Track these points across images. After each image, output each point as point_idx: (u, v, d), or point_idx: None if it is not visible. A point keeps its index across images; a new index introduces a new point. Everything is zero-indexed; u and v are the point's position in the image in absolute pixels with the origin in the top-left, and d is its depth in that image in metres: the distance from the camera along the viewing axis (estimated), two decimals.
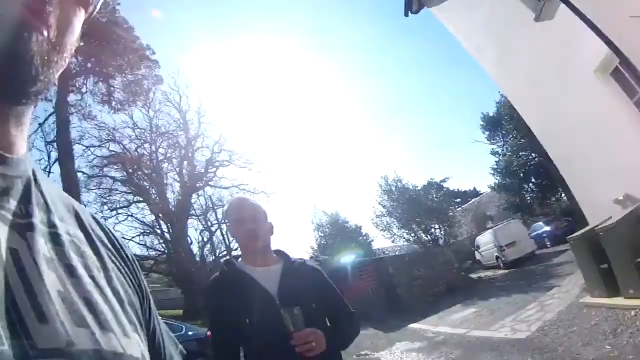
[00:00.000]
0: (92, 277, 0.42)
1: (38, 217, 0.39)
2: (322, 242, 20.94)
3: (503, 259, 15.64)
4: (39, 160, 19.23)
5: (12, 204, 0.37)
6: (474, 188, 35.04)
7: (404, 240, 20.72)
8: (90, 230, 0.48)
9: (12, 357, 0.29)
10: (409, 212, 19.29)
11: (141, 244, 21.09)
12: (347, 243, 19.17)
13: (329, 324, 1.62)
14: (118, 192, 21.16)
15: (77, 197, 16.68)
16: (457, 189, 31.61)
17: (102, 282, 0.44)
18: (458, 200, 28.60)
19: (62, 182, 16.83)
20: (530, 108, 7.49)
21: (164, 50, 38.17)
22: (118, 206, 20.86)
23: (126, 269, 0.51)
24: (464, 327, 7.60)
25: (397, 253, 19.18)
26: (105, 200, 20.44)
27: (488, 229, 19.42)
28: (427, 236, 19.52)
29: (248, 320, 1.47)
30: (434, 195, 20.02)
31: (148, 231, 21.53)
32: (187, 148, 22.02)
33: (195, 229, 22.94)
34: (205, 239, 22.87)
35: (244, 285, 1.53)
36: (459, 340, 6.87)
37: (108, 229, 0.53)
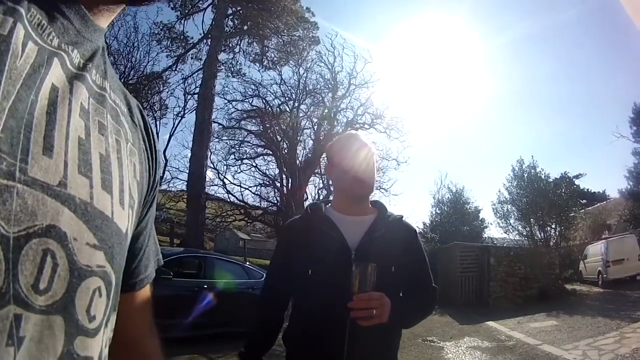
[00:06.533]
0: (118, 142, 0.42)
1: (93, 76, 0.40)
2: (436, 219, 20.10)
3: (605, 275, 14.33)
4: (174, 107, 21.67)
5: (76, 56, 0.38)
6: (604, 191, 30.96)
7: (517, 232, 19.79)
8: (134, 112, 0.49)
9: None
10: (533, 204, 18.21)
11: (256, 194, 21.73)
12: (460, 225, 18.61)
13: (401, 294, 1.39)
14: (249, 144, 21.54)
15: (207, 143, 18.82)
16: (587, 189, 28.14)
17: (125, 152, 0.43)
18: (584, 201, 25.79)
19: (194, 128, 18.62)
20: None
21: (323, 12, 38.58)
22: (244, 157, 21.32)
23: (151, 158, 0.51)
24: (538, 339, 7.60)
25: (504, 245, 18.36)
26: (233, 150, 20.98)
27: (603, 239, 17.72)
28: (541, 233, 18.44)
29: (310, 271, 1.32)
30: (563, 191, 18.48)
31: (268, 183, 21.93)
32: (331, 108, 21.59)
33: (315, 186, 22.66)
34: (322, 197, 22.73)
35: (322, 233, 1.35)
36: (527, 350, 6.94)
37: (148, 120, 0.53)
